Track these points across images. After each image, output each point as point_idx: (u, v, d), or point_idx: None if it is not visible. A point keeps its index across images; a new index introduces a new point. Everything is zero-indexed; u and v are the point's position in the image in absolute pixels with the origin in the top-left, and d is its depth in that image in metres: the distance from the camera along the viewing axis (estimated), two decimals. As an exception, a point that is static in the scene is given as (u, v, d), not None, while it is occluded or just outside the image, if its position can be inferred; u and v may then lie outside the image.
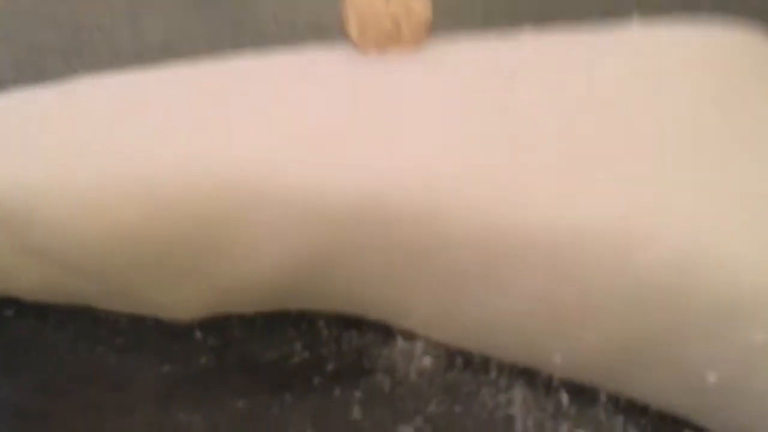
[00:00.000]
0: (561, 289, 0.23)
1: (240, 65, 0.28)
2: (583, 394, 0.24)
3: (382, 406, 0.24)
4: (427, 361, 0.25)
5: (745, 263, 0.21)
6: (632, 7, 0.27)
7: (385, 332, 0.26)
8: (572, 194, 0.22)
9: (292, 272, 0.26)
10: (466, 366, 0.25)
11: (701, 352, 0.22)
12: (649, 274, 0.22)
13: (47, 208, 0.24)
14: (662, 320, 0.22)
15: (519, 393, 0.25)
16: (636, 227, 0.21)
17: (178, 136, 0.25)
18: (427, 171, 0.23)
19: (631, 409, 0.24)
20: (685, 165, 0.22)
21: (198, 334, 0.26)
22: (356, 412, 0.24)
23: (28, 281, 0.27)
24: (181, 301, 0.26)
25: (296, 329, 0.27)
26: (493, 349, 0.25)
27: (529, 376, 0.25)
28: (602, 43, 0.26)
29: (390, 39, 0.25)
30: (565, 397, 0.24)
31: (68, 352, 0.26)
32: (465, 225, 0.23)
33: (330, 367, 0.26)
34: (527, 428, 0.24)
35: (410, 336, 0.26)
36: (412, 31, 0.25)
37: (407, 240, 0.24)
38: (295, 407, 0.24)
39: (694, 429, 0.23)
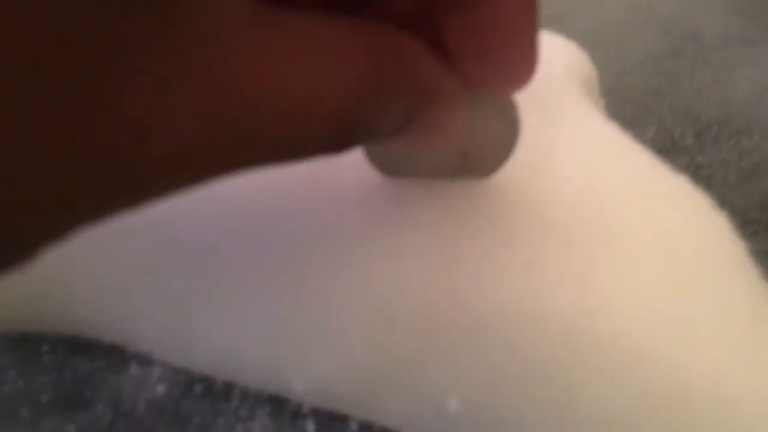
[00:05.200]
0: (300, 308, 0.20)
1: None
2: (332, 423, 0.21)
3: (96, 441, 0.21)
4: (160, 390, 0.22)
5: (483, 283, 0.19)
6: None
7: (119, 358, 0.23)
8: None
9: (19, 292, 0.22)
10: (205, 394, 0.22)
11: (441, 375, 0.19)
12: (395, 295, 0.19)
13: None
14: (404, 342, 0.19)
15: (260, 423, 0.21)
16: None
17: None
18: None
19: (384, 438, 0.21)
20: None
21: None
22: (64, 450, 0.20)
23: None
24: None
25: (14, 354, 0.23)
26: (234, 374, 0.22)
27: (275, 404, 0.22)
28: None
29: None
30: (311, 427, 0.21)
31: None
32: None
33: (44, 398, 0.22)
34: (261, 463, 0.20)
35: (147, 362, 0.23)
36: None
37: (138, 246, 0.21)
38: (-8, 444, 0.20)
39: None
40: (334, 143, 0.14)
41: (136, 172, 0.10)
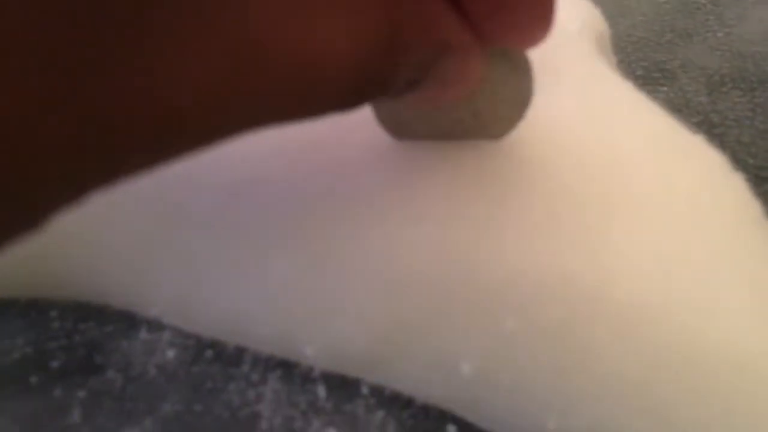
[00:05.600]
0: (312, 272, 0.20)
1: None
2: (343, 387, 0.21)
3: (107, 407, 0.21)
4: (170, 355, 0.22)
5: (497, 247, 0.19)
6: None
7: (129, 323, 0.22)
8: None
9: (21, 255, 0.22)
10: (216, 359, 0.22)
11: (454, 340, 0.19)
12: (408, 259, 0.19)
13: None
14: (419, 306, 0.19)
15: (271, 388, 0.21)
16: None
17: None
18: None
19: (395, 402, 0.21)
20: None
21: None
22: (76, 415, 0.21)
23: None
24: None
25: (23, 321, 0.22)
26: (245, 339, 0.22)
27: (286, 368, 0.22)
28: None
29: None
30: (322, 391, 0.21)
31: None
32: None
33: (54, 364, 0.22)
34: (273, 427, 0.20)
35: (157, 327, 0.22)
36: None
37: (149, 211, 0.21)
38: (3, 412, 0.20)
39: (458, 422, 0.20)
40: (349, 99, 0.13)
41: (153, 128, 0.10)
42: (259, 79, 0.11)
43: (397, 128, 0.20)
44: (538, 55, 0.19)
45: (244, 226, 0.21)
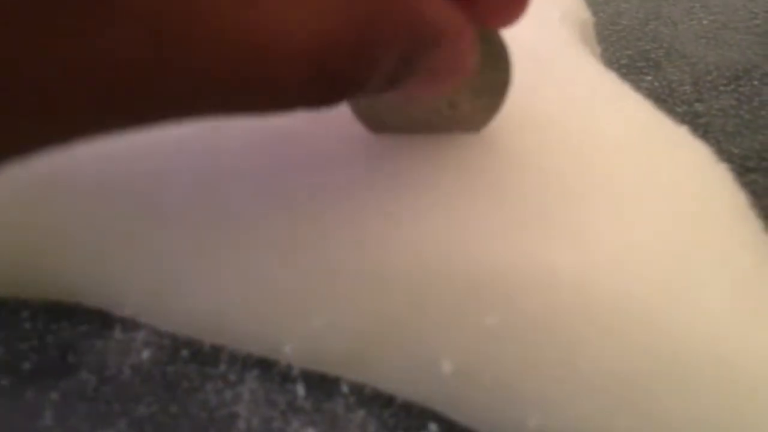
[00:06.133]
0: (290, 268, 0.19)
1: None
2: (322, 386, 0.21)
3: (81, 409, 0.20)
4: (146, 354, 0.21)
5: (477, 241, 0.18)
6: None
7: (103, 323, 0.22)
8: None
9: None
10: (192, 358, 0.21)
11: (435, 337, 0.19)
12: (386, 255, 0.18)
13: None
14: (398, 302, 0.19)
15: (249, 387, 0.21)
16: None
17: None
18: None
19: (375, 401, 0.21)
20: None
21: None
22: (48, 418, 0.20)
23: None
24: None
25: (-8, 321, 0.22)
26: (221, 337, 0.21)
27: (265, 367, 0.21)
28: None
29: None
30: (301, 390, 0.21)
31: None
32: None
33: (26, 366, 0.21)
34: (251, 427, 0.20)
35: (131, 326, 0.22)
36: None
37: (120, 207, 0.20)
38: (-27, 415, 0.20)
39: (440, 420, 0.20)
40: (313, 94, 0.12)
41: (90, 98, 0.09)
42: (200, 59, 0.10)
43: (373, 122, 0.20)
44: (517, 43, 0.18)
45: (218, 221, 0.20)
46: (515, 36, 0.18)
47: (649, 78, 0.31)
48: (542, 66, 0.22)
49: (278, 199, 0.20)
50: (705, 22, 0.34)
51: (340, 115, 0.20)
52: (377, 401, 0.21)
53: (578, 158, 0.20)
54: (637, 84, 0.26)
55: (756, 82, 0.30)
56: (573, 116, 0.20)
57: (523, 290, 0.18)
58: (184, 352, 0.22)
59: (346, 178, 0.20)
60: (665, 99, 0.29)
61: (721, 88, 0.31)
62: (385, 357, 0.20)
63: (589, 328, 0.18)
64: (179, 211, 0.21)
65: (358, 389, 0.21)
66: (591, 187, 0.19)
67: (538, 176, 0.19)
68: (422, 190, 0.19)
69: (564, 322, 0.18)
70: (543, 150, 0.20)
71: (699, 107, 0.30)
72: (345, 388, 0.21)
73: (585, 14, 0.27)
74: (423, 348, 0.19)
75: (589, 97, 0.21)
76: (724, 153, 0.23)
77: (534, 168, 0.20)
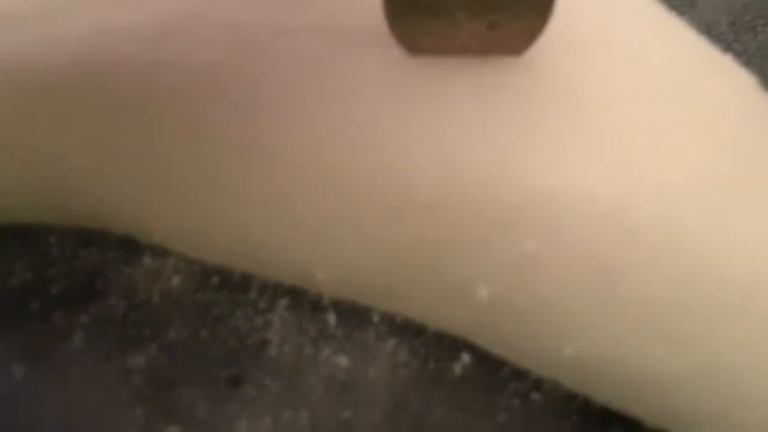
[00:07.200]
0: (321, 193, 0.19)
1: None
2: (353, 315, 0.20)
3: (110, 333, 0.20)
4: (175, 281, 0.21)
5: (517, 166, 0.18)
6: None
7: (131, 249, 0.22)
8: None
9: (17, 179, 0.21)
10: (222, 285, 0.21)
11: (472, 263, 0.18)
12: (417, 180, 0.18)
13: None
14: (433, 228, 0.18)
15: (279, 314, 0.20)
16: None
17: None
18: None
19: (407, 330, 0.20)
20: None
21: None
22: (78, 341, 0.20)
23: None
24: None
25: (20, 246, 0.22)
26: (251, 264, 0.21)
27: (295, 295, 0.21)
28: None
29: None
30: (332, 319, 0.20)
31: None
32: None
33: (54, 289, 0.21)
34: (282, 353, 0.20)
35: (161, 253, 0.22)
36: None
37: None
38: (2, 338, 0.20)
39: (473, 350, 0.20)
40: None
41: None
42: None
43: (411, 43, 0.19)
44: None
45: (249, 148, 0.20)
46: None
47: (686, 17, 0.30)
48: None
49: (309, 126, 0.19)
50: (743, -39, 0.33)
51: (377, 39, 0.19)
52: (409, 331, 0.20)
53: (621, 85, 0.19)
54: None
55: (795, 23, 0.29)
56: (616, 42, 0.20)
57: (563, 217, 0.18)
58: (214, 279, 0.21)
59: (380, 104, 0.19)
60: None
61: (759, 28, 0.30)
62: (419, 285, 0.20)
63: (629, 255, 0.18)
64: (210, 138, 0.20)
65: (389, 318, 0.21)
66: (634, 115, 0.19)
67: (580, 104, 0.18)
68: (460, 115, 0.19)
69: (604, 250, 0.18)
70: (584, 76, 0.19)
71: (737, 46, 0.29)
72: (376, 318, 0.21)
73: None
74: (458, 275, 0.19)
75: (633, 23, 0.21)
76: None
77: (575, 94, 0.19)
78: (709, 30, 0.29)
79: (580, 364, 0.18)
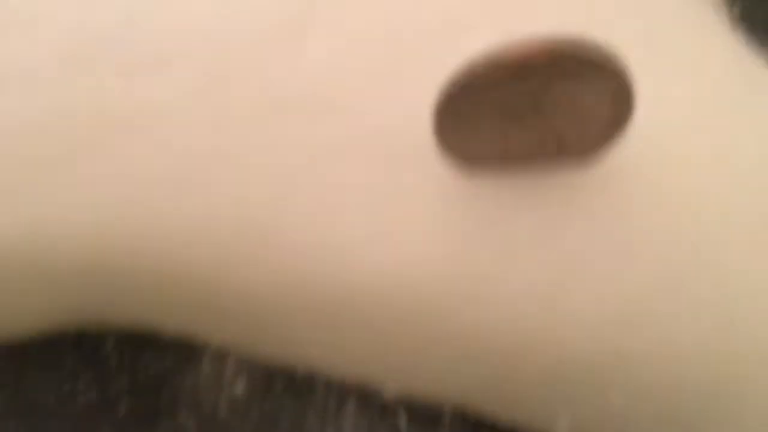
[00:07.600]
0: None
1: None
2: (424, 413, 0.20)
3: (187, 454, 0.20)
4: (240, 387, 0.21)
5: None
6: None
7: (189, 351, 0.21)
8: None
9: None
10: (288, 387, 0.21)
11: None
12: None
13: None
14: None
15: (350, 415, 0.20)
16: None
17: None
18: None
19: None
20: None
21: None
22: (155, 465, 0.20)
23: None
24: None
25: (77, 356, 0.21)
26: (318, 362, 0.21)
27: (360, 391, 0.21)
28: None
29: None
30: (403, 422, 0.20)
31: None
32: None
33: (122, 408, 0.21)
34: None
35: (219, 353, 0.21)
36: None
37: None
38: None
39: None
40: None
41: None
42: None
43: (466, 156, 0.17)
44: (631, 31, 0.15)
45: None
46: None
47: None
48: (669, 58, 0.18)
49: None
50: None
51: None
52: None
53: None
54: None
55: None
56: (704, 139, 0.17)
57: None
58: (278, 381, 0.21)
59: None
60: None
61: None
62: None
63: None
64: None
65: (460, 414, 0.20)
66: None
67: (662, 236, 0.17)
68: (522, 248, 0.17)
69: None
70: (663, 195, 0.17)
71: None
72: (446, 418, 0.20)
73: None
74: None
75: (720, 107, 0.18)
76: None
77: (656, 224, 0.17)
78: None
79: None
